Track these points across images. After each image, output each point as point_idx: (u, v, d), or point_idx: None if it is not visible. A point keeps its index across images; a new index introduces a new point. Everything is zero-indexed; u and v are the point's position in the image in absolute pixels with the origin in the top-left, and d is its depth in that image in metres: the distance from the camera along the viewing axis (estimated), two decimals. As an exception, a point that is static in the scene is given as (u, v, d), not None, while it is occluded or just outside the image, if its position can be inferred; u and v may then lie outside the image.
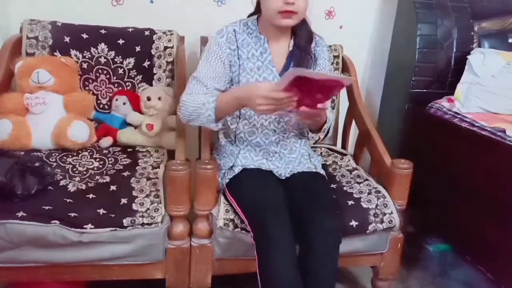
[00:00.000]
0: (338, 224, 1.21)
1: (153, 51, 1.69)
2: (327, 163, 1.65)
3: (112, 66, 1.67)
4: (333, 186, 1.46)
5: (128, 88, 1.69)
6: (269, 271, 1.08)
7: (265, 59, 1.31)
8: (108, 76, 1.67)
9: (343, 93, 1.79)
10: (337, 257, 1.17)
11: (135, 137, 1.61)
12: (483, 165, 1.47)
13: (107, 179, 1.36)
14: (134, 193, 1.29)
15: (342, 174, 1.58)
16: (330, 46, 1.77)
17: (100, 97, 1.68)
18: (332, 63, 1.79)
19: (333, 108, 1.79)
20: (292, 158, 1.38)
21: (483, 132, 1.47)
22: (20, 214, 1.13)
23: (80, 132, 1.50)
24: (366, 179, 1.50)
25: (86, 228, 1.15)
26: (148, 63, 1.69)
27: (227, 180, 1.31)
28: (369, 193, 1.39)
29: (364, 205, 1.34)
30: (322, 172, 1.42)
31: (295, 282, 1.07)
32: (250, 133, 1.34)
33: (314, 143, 1.71)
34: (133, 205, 1.23)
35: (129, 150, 1.58)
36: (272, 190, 1.24)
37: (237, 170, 1.31)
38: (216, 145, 1.47)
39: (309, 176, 1.36)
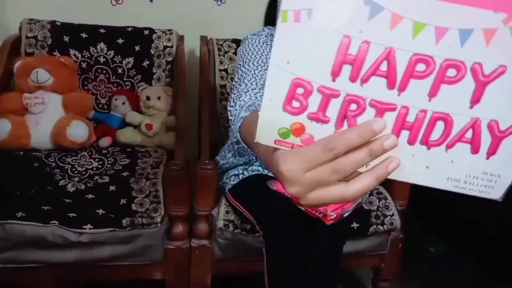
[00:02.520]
0: (342, 225, 1.20)
1: (152, 51, 1.69)
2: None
3: (111, 66, 1.66)
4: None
5: (128, 87, 1.69)
6: (280, 267, 1.07)
7: None
8: (107, 75, 1.66)
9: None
10: (340, 258, 1.16)
11: (134, 137, 1.60)
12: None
13: (106, 179, 1.36)
14: (133, 194, 1.28)
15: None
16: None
17: (99, 97, 1.67)
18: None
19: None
20: None
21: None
22: (19, 214, 1.12)
23: (79, 132, 1.50)
24: (367, 180, 1.49)
25: (85, 229, 1.15)
26: (148, 62, 1.69)
27: (230, 186, 1.30)
28: (370, 195, 1.38)
29: (365, 206, 1.34)
30: None
31: (305, 279, 1.07)
32: None
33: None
34: (132, 205, 1.23)
35: (128, 150, 1.57)
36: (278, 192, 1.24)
37: (241, 177, 1.30)
38: (220, 150, 1.45)
39: None
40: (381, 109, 0.37)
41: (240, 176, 1.29)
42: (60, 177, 1.33)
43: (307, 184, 0.38)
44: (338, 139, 0.36)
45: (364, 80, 0.36)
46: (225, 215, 1.26)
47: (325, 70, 0.36)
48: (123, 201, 1.24)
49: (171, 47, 1.70)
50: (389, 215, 1.34)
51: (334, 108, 0.37)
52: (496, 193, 0.40)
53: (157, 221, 1.21)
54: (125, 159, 1.50)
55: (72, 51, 1.63)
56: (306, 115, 0.38)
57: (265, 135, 0.39)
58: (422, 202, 1.61)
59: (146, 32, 1.69)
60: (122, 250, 1.20)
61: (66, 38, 1.62)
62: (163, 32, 1.71)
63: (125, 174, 1.39)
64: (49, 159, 1.44)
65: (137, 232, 1.19)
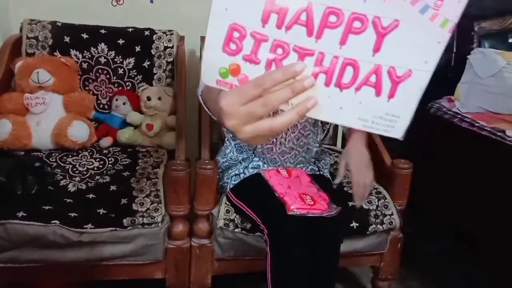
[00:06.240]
0: (339, 225, 1.21)
1: (153, 51, 1.69)
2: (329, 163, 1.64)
3: (112, 66, 1.67)
4: (334, 186, 1.46)
5: (128, 88, 1.69)
6: (284, 265, 1.08)
7: None
8: (108, 76, 1.67)
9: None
10: (337, 257, 1.17)
11: (135, 137, 1.61)
12: (483, 165, 1.47)
13: (107, 179, 1.36)
14: (134, 193, 1.29)
15: (342, 174, 1.57)
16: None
17: (100, 97, 1.68)
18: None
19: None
20: (300, 167, 1.37)
21: (483, 132, 1.48)
22: (20, 214, 1.13)
23: (80, 132, 1.50)
24: (366, 179, 1.49)
25: (86, 228, 1.15)
26: (148, 63, 1.69)
27: (231, 186, 1.30)
28: (369, 194, 1.39)
29: (365, 206, 1.34)
30: (326, 174, 1.41)
31: (308, 276, 1.08)
32: (268, 149, 1.30)
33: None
34: (133, 205, 1.23)
35: (129, 150, 1.58)
36: None
37: (242, 176, 1.30)
38: (220, 149, 1.45)
39: (313, 178, 1.36)
40: (302, 54, 0.44)
41: (241, 175, 1.29)
42: (61, 177, 1.34)
43: (242, 116, 0.46)
44: (266, 77, 0.44)
45: (288, 28, 0.43)
46: (226, 214, 1.26)
47: (256, 17, 0.43)
48: (124, 200, 1.25)
49: (172, 47, 1.70)
50: (388, 215, 1.35)
51: (264, 51, 0.44)
52: (397, 133, 0.46)
53: (158, 221, 1.21)
54: (126, 159, 1.50)
55: (73, 52, 1.63)
56: (241, 56, 0.45)
57: (209, 75, 0.46)
58: (422, 201, 1.61)
59: (146, 32, 1.70)
60: (122, 250, 1.21)
61: (67, 39, 1.63)
62: (164, 32, 1.71)
63: (126, 174, 1.40)
64: (50, 159, 1.44)
65: (137, 231, 1.19)
